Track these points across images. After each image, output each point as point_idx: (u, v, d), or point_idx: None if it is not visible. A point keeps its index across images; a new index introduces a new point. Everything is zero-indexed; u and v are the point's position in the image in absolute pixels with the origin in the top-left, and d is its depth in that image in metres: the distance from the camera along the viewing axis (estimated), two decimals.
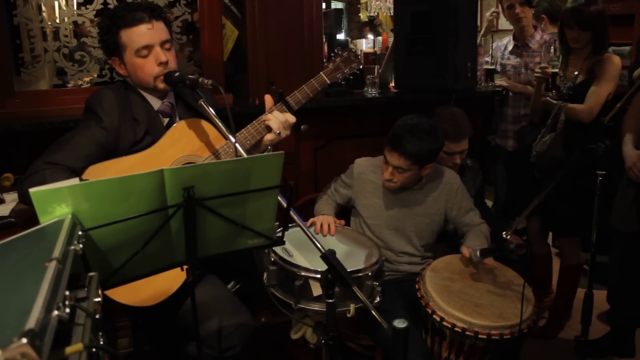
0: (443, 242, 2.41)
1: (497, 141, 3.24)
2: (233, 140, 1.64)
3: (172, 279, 1.65)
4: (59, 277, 0.75)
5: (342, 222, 2.25)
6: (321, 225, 2.15)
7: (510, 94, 3.14)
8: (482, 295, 1.92)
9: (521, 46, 3.10)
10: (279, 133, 1.85)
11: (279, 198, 1.42)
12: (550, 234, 3.14)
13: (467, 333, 1.78)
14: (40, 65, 2.40)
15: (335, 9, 5.66)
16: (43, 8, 2.42)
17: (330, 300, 1.45)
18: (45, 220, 1.02)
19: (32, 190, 0.99)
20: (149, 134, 1.79)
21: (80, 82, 2.54)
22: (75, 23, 2.45)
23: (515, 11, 3.02)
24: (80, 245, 0.94)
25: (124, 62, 1.79)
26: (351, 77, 2.06)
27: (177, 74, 1.75)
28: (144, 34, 1.74)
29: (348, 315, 1.77)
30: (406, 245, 2.25)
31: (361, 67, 2.13)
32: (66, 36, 2.41)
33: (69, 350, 0.74)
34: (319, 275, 1.75)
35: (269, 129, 1.85)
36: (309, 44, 2.66)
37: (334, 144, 2.86)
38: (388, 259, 2.21)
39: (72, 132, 1.74)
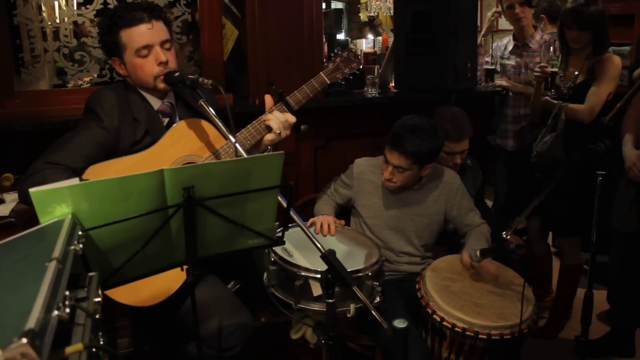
0: (443, 244, 2.41)
1: (497, 141, 3.24)
2: (233, 140, 1.63)
3: (172, 279, 1.65)
4: (59, 277, 0.75)
5: (342, 222, 2.25)
6: (321, 225, 2.15)
7: (510, 94, 3.14)
8: (482, 295, 1.92)
9: (521, 46, 3.10)
10: (279, 133, 1.85)
11: (279, 198, 1.42)
12: (550, 234, 3.14)
13: (467, 333, 1.78)
14: (40, 65, 2.40)
15: (335, 9, 5.66)
16: (43, 8, 2.42)
17: (330, 300, 1.45)
18: (45, 220, 1.01)
19: (32, 190, 0.99)
20: (149, 134, 1.79)
21: (80, 82, 2.54)
22: (75, 23, 2.45)
23: (515, 11, 3.02)
24: (80, 245, 0.94)
25: (124, 62, 1.79)
26: (351, 77, 2.06)
27: (177, 73, 1.75)
28: (143, 33, 1.74)
29: (348, 315, 1.77)
30: (406, 245, 2.25)
31: (361, 67, 2.13)
32: (66, 36, 2.41)
33: (69, 350, 0.74)
34: (319, 275, 1.75)
35: (269, 129, 1.85)
36: (309, 44, 2.66)
37: (334, 144, 2.86)
38: (388, 259, 2.21)
39: (72, 132, 1.74)
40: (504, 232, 1.92)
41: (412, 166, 2.10)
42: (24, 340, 0.56)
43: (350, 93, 2.85)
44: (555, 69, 2.72)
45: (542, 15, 3.45)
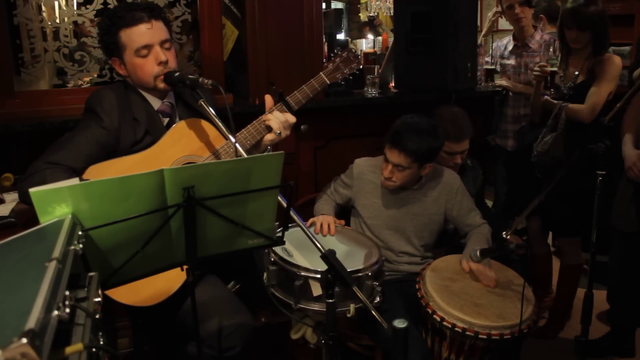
0: (443, 245, 2.41)
1: (497, 141, 3.25)
2: (233, 140, 1.63)
3: (172, 279, 1.65)
4: (59, 277, 0.75)
5: (342, 222, 2.25)
6: (321, 225, 2.15)
7: (510, 94, 3.14)
8: (482, 295, 1.92)
9: (521, 46, 3.10)
10: (279, 133, 1.85)
11: (279, 198, 1.42)
12: (550, 234, 3.14)
13: (468, 333, 1.78)
14: (40, 65, 2.40)
15: (335, 9, 5.66)
16: (43, 8, 2.42)
17: (330, 300, 1.45)
18: (45, 220, 1.01)
19: (32, 190, 0.99)
20: (149, 133, 1.79)
21: (80, 82, 2.54)
22: (75, 23, 2.45)
23: (515, 11, 3.02)
24: (80, 245, 0.94)
25: (123, 62, 1.79)
26: (351, 77, 2.06)
27: (177, 73, 1.75)
28: (143, 33, 1.74)
29: (348, 315, 1.77)
30: (406, 245, 2.25)
31: (361, 67, 2.13)
32: (66, 36, 2.41)
33: (69, 350, 0.74)
34: (319, 275, 1.75)
35: (269, 129, 1.86)
36: (309, 44, 2.66)
37: (334, 144, 2.86)
38: (388, 259, 2.21)
39: (73, 132, 1.74)
40: (504, 232, 1.92)
41: (411, 164, 2.10)
42: (24, 340, 0.56)
43: (350, 93, 2.85)
44: (555, 69, 2.71)
45: (541, 15, 3.45)
